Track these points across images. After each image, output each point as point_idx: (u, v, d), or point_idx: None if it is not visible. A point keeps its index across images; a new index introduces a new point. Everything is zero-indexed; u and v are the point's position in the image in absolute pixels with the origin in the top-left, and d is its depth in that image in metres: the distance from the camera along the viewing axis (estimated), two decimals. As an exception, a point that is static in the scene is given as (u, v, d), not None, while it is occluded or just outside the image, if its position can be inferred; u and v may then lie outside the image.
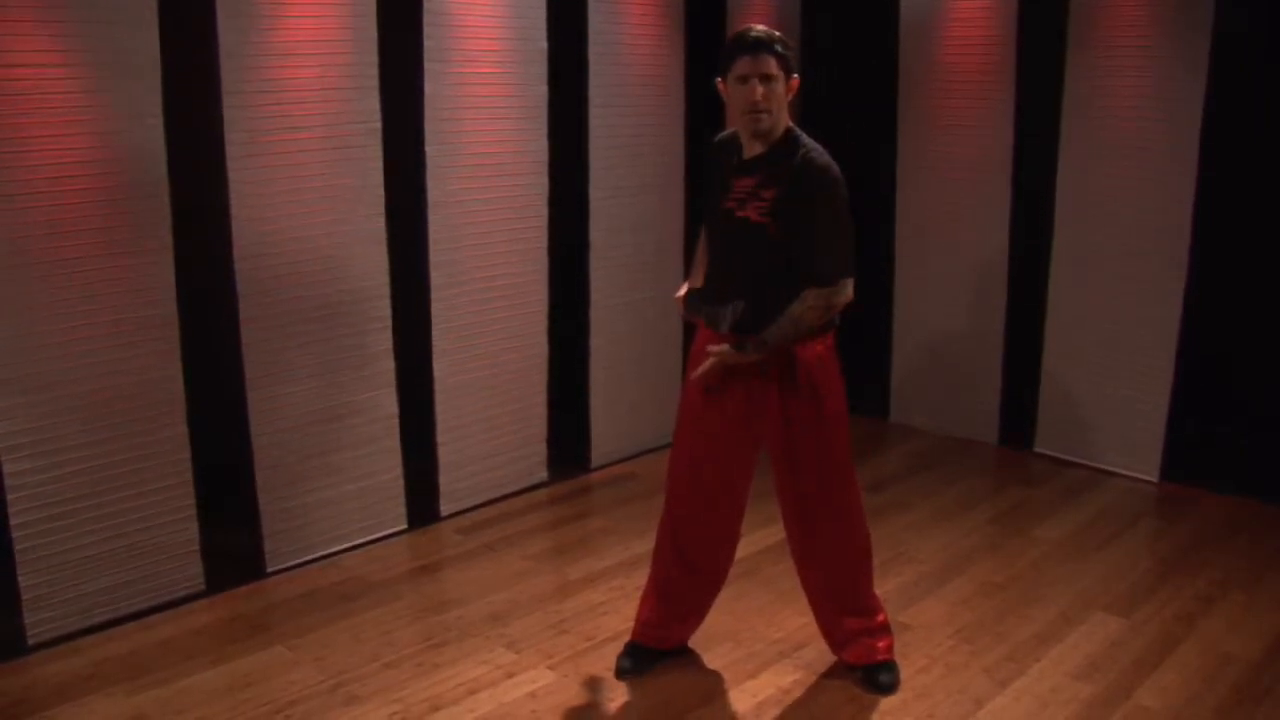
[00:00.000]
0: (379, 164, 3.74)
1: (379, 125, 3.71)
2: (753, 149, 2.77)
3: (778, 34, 2.71)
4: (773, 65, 2.66)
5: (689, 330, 3.81)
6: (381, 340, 3.88)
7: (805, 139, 2.77)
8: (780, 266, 2.74)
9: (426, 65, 3.82)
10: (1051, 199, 4.66)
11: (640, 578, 3.43)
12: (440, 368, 4.09)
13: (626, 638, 3.21)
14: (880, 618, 3.09)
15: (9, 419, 3.07)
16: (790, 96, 2.74)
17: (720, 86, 2.79)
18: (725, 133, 2.93)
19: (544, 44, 4.16)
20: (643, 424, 4.88)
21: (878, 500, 4.36)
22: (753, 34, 2.68)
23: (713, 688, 3.07)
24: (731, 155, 2.84)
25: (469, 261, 4.09)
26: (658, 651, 3.16)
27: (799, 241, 2.70)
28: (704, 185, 2.99)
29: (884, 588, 3.47)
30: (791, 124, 2.79)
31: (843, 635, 3.08)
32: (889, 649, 3.09)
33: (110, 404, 3.25)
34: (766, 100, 2.67)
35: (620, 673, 3.11)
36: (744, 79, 2.68)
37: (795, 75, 2.73)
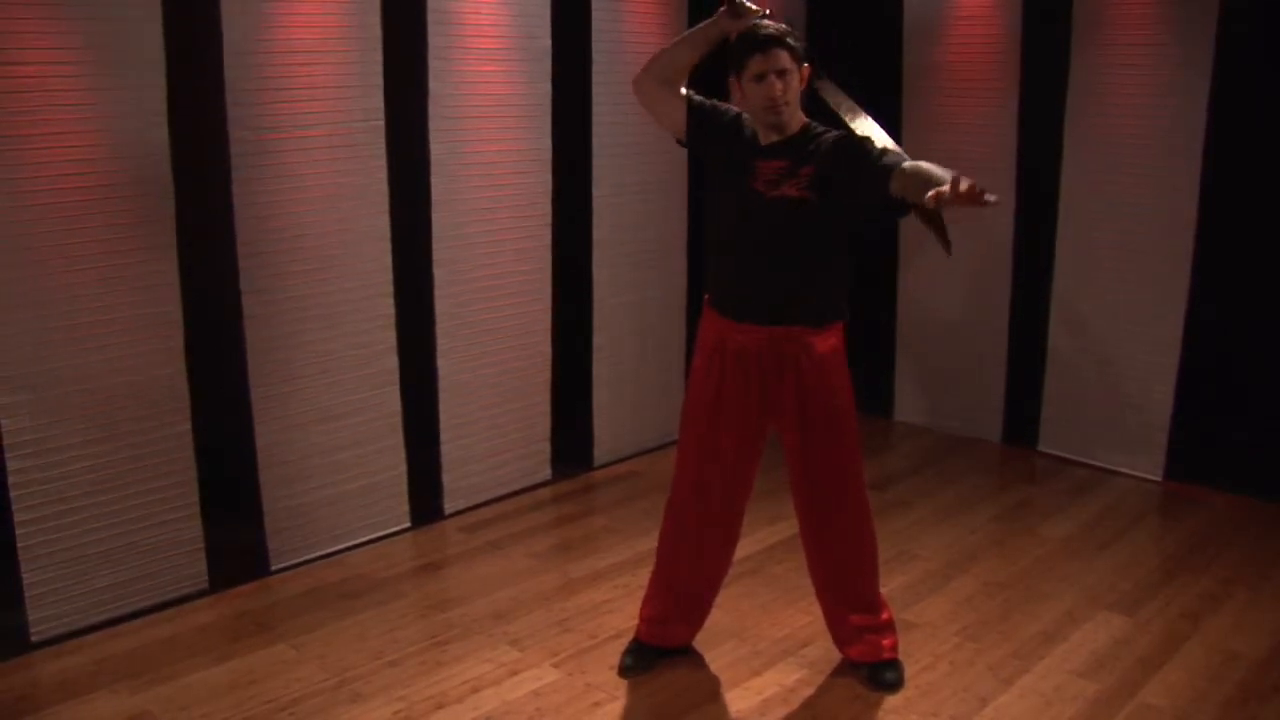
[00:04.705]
0: (383, 162, 3.74)
1: (383, 123, 3.71)
2: (771, 136, 2.80)
3: (785, 27, 2.74)
4: (786, 59, 2.70)
5: (692, 329, 3.81)
6: (385, 338, 3.87)
7: (819, 124, 2.84)
8: (822, 241, 2.78)
9: (431, 63, 3.82)
10: (1056, 197, 4.65)
11: (643, 576, 3.42)
12: (444, 366, 4.08)
13: (630, 636, 3.21)
14: (885, 615, 3.10)
15: (13, 416, 3.07)
16: (804, 85, 2.79)
17: (733, 84, 2.81)
18: (731, 107, 2.92)
19: (548, 42, 4.16)
20: (646, 422, 4.87)
21: (882, 499, 4.35)
22: (763, 31, 2.71)
23: (717, 686, 3.07)
24: (743, 134, 2.84)
25: (473, 259, 4.09)
26: (661, 650, 3.16)
27: (861, 172, 2.70)
28: (710, 134, 2.90)
29: (888, 586, 3.46)
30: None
31: (848, 632, 3.08)
32: (894, 647, 3.09)
33: (114, 401, 3.25)
34: (785, 94, 2.72)
35: (624, 670, 3.11)
36: (760, 76, 2.70)
37: (806, 63, 2.77)
